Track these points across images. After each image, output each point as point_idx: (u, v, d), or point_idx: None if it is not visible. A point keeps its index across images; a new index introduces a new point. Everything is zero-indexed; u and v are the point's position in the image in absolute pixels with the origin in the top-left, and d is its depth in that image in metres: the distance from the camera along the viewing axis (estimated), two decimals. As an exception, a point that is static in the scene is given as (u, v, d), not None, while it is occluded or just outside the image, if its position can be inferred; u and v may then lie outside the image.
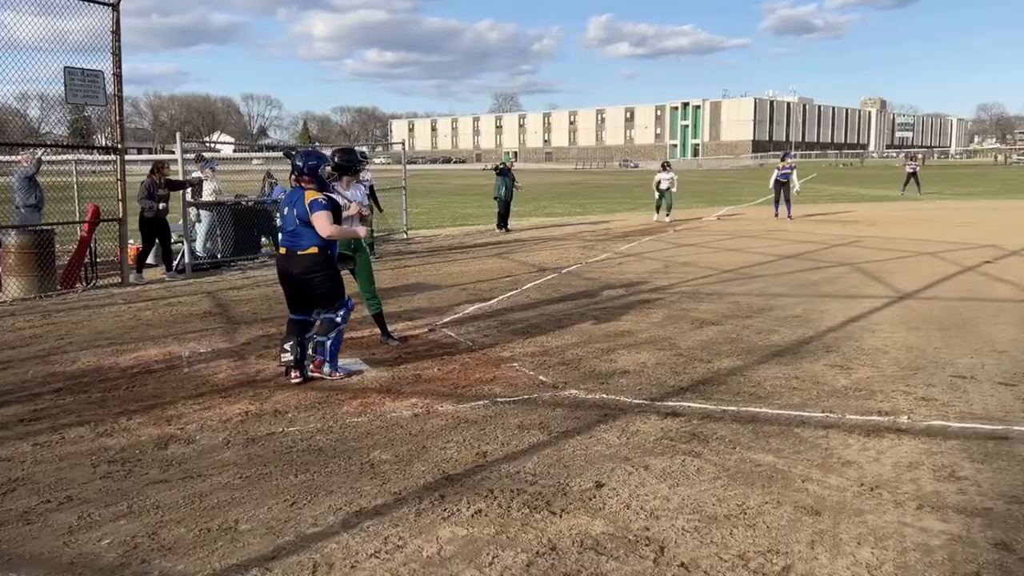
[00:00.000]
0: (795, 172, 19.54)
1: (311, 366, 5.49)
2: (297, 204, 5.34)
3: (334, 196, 5.49)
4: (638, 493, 3.65)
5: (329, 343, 5.50)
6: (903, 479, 3.77)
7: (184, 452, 4.23)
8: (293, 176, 5.49)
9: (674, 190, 19.03)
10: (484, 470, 3.94)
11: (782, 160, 20.01)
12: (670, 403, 4.97)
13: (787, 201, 19.14)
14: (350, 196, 6.21)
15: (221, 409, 4.96)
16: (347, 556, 3.09)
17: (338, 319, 5.52)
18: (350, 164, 6.34)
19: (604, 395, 5.15)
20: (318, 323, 5.51)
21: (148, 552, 3.13)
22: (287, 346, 5.46)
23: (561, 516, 3.42)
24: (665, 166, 19.87)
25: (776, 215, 19.13)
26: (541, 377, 5.58)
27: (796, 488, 3.69)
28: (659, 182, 19.03)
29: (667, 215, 18.91)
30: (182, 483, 3.81)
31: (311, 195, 5.32)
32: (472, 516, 3.43)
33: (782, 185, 19.22)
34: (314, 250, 5.35)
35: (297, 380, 5.45)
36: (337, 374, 5.56)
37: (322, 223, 5.26)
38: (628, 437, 4.38)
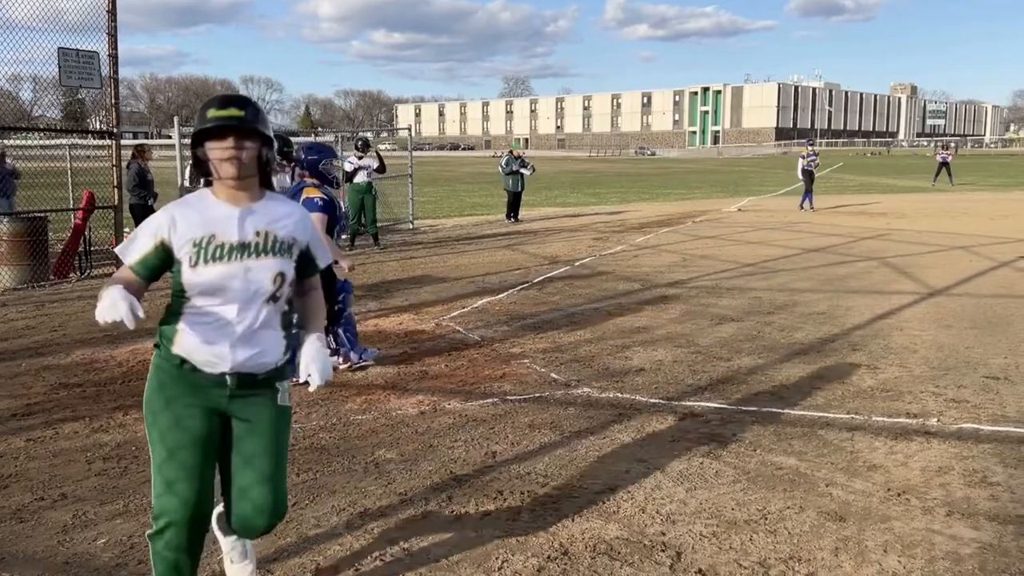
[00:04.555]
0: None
1: (340, 361, 5.51)
2: (295, 199, 5.23)
3: (334, 199, 5.30)
4: (654, 496, 3.54)
5: (342, 331, 5.49)
6: (932, 484, 3.65)
7: (184, 449, 4.15)
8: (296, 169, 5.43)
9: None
10: (493, 471, 3.84)
11: (807, 147, 19.75)
12: (688, 403, 4.84)
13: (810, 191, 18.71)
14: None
15: (222, 405, 4.88)
16: (351, 559, 3.01)
17: (336, 307, 5.43)
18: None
19: (618, 394, 5.03)
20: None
21: (145, 552, 3.04)
22: None
23: (573, 519, 3.33)
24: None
25: (812, 207, 18.48)
26: (553, 374, 5.46)
27: (819, 493, 3.57)
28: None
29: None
30: (181, 482, 3.73)
31: (308, 192, 5.16)
32: (481, 518, 3.34)
33: (809, 174, 18.81)
34: None
35: (348, 366, 5.54)
36: (367, 358, 5.60)
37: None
38: (643, 438, 4.26)
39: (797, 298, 8.07)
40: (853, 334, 6.55)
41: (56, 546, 3.12)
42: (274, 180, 7.28)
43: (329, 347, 5.48)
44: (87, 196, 10.15)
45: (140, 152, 10.72)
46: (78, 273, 9.84)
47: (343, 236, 12.58)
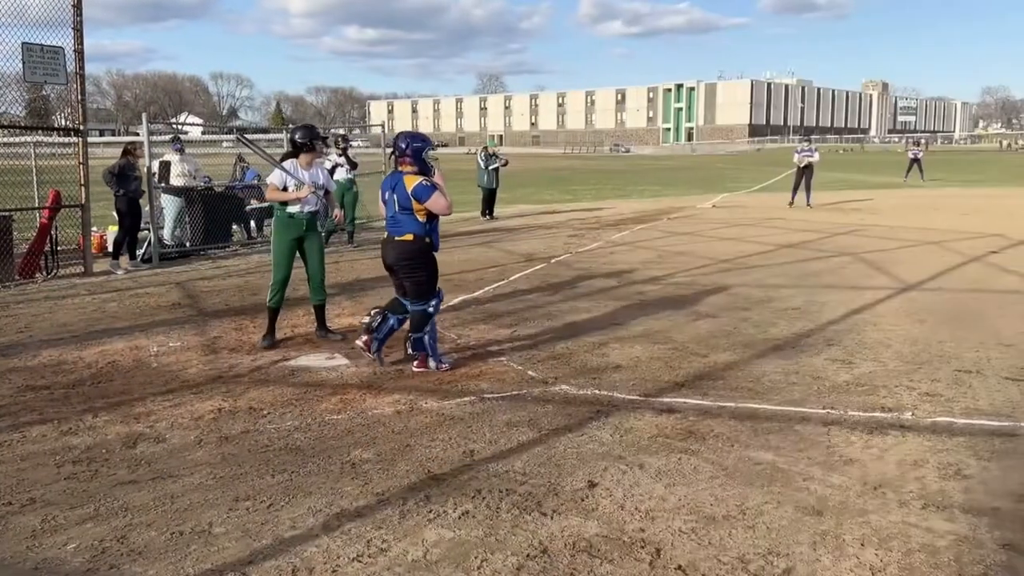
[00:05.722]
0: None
1: (415, 364, 5.45)
2: (397, 189, 5.25)
3: (436, 181, 5.32)
4: (633, 493, 3.54)
5: (427, 338, 5.43)
6: (907, 478, 3.68)
7: (154, 451, 4.08)
8: (394, 156, 5.42)
9: None
10: (471, 469, 3.81)
11: (802, 143, 19.78)
12: (665, 399, 4.84)
13: (808, 187, 18.54)
14: (303, 177, 6.11)
15: (192, 406, 4.80)
16: (328, 560, 2.98)
17: (430, 310, 5.42)
18: (308, 141, 6.25)
19: (596, 391, 5.02)
20: (411, 318, 5.44)
21: (117, 557, 3.01)
22: (373, 311, 5.55)
23: (552, 517, 3.31)
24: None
25: (790, 203, 18.50)
26: (530, 372, 5.44)
27: (797, 487, 3.59)
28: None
29: None
30: (152, 484, 3.67)
31: (412, 180, 5.20)
32: (459, 518, 3.31)
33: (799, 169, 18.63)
34: (409, 237, 5.25)
35: (363, 347, 5.46)
36: (443, 366, 5.45)
37: (440, 204, 5.21)
38: (622, 435, 4.25)
39: (772, 294, 8.12)
40: (828, 329, 6.60)
41: (25, 551, 3.05)
42: (306, 175, 6.52)
43: (407, 352, 5.54)
44: (53, 195, 9.94)
45: (131, 150, 10.56)
46: (44, 273, 9.63)
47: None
